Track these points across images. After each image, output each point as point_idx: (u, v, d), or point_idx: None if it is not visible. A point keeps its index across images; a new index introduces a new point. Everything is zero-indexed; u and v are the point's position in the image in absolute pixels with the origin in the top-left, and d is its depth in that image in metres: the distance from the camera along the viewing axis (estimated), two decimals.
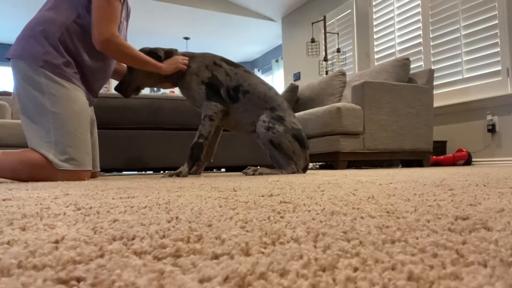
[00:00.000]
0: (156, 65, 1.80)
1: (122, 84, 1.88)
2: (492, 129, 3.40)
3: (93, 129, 1.85)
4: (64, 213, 0.49)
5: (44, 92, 1.51)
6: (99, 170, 1.87)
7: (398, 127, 3.16)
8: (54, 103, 1.52)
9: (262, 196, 0.70)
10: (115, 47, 1.59)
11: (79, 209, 0.54)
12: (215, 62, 1.96)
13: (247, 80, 1.96)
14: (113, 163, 2.45)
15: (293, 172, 1.89)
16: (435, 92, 3.79)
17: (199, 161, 1.91)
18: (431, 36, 3.96)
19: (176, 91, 9.31)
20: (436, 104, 3.78)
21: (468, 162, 3.45)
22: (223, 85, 1.93)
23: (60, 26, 1.56)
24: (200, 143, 1.88)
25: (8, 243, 0.31)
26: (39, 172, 1.49)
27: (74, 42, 1.59)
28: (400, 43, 4.36)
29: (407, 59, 3.38)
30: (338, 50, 5.03)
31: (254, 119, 1.94)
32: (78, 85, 1.60)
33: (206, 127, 1.88)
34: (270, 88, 2.00)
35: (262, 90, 1.96)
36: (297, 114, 3.48)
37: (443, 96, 3.83)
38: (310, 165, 4.16)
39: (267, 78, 8.90)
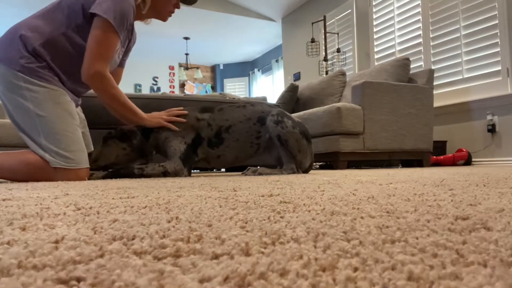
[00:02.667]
0: (138, 114, 1.72)
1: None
2: (492, 129, 3.40)
3: (84, 129, 1.82)
4: (64, 213, 0.49)
5: (25, 96, 1.47)
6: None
7: (398, 127, 3.16)
8: (37, 106, 1.48)
9: (262, 196, 0.70)
10: (100, 85, 1.56)
11: (79, 209, 0.54)
12: (197, 118, 1.87)
13: (223, 117, 1.88)
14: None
15: (293, 172, 1.89)
16: (435, 92, 3.79)
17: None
18: (431, 36, 3.96)
19: (176, 91, 9.31)
20: (436, 104, 3.78)
21: (468, 162, 3.45)
22: (205, 139, 1.85)
23: (41, 35, 1.52)
24: (133, 174, 1.72)
25: (8, 243, 0.31)
26: (38, 172, 1.49)
27: (52, 55, 1.54)
28: (400, 43, 4.36)
29: (407, 59, 3.38)
30: (338, 50, 5.03)
31: (252, 140, 1.90)
32: (60, 86, 1.56)
33: (153, 173, 1.73)
34: (245, 106, 1.94)
35: (240, 115, 1.91)
36: (297, 114, 3.48)
37: (443, 96, 3.83)
38: None
39: (267, 78, 8.90)
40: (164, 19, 1.80)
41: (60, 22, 1.56)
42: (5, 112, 1.54)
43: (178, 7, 1.79)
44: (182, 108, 1.90)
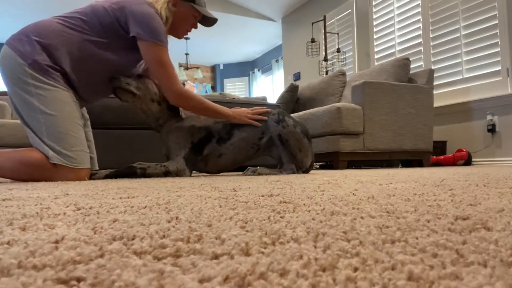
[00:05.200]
0: (225, 113, 1.81)
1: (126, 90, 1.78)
2: (492, 129, 3.40)
3: (87, 129, 1.83)
4: (64, 213, 0.49)
5: (31, 93, 1.49)
6: (98, 169, 1.86)
7: (398, 127, 3.16)
8: (43, 104, 1.49)
9: (262, 196, 0.70)
10: (187, 102, 1.74)
11: (79, 209, 0.54)
12: (215, 121, 1.92)
13: None
14: (112, 163, 2.45)
15: (293, 173, 1.89)
16: (435, 92, 3.79)
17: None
18: (431, 36, 3.96)
19: None
20: (436, 104, 3.78)
21: (468, 162, 3.45)
22: (215, 137, 1.88)
23: (61, 39, 1.54)
24: (135, 174, 1.73)
25: (8, 243, 0.31)
26: (38, 172, 1.49)
27: (72, 60, 1.56)
28: (400, 43, 4.36)
29: (407, 59, 3.38)
30: (338, 50, 5.03)
31: (254, 141, 1.92)
32: (66, 86, 1.57)
33: (155, 173, 1.74)
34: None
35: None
36: (297, 114, 3.48)
37: (443, 96, 3.83)
38: None
39: (267, 78, 8.89)
40: (179, 37, 1.89)
41: (85, 30, 1.58)
42: (11, 106, 1.55)
43: (196, 27, 1.89)
44: (265, 107, 1.97)
